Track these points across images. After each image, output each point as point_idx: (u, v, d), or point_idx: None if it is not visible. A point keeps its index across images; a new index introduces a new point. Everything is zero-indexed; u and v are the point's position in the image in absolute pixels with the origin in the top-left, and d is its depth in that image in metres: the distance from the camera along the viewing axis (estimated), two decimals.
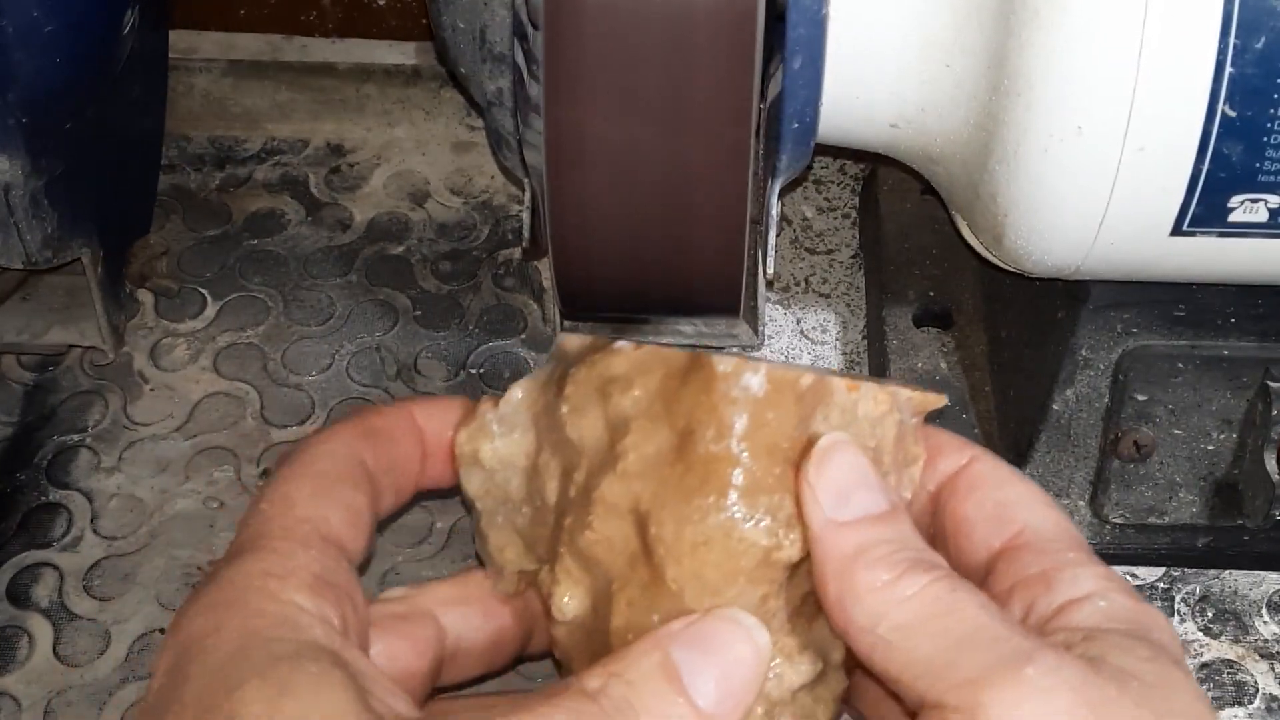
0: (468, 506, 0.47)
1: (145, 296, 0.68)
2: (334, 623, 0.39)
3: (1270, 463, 0.54)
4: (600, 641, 0.41)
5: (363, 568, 0.43)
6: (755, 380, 0.40)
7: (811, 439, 0.41)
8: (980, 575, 0.43)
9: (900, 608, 0.37)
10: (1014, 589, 0.41)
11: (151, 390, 0.65)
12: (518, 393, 0.45)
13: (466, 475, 0.45)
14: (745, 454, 0.40)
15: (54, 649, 0.57)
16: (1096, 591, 0.41)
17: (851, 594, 0.38)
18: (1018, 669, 0.36)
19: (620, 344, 0.43)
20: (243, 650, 0.37)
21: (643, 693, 0.38)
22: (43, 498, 0.61)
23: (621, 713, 0.37)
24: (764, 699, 0.40)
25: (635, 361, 0.42)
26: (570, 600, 0.42)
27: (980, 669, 0.36)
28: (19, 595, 0.58)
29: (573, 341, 0.45)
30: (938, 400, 0.45)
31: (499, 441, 0.45)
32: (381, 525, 0.45)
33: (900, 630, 0.37)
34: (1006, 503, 0.43)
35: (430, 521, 0.61)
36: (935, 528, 0.45)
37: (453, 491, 0.47)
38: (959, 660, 0.36)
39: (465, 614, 0.45)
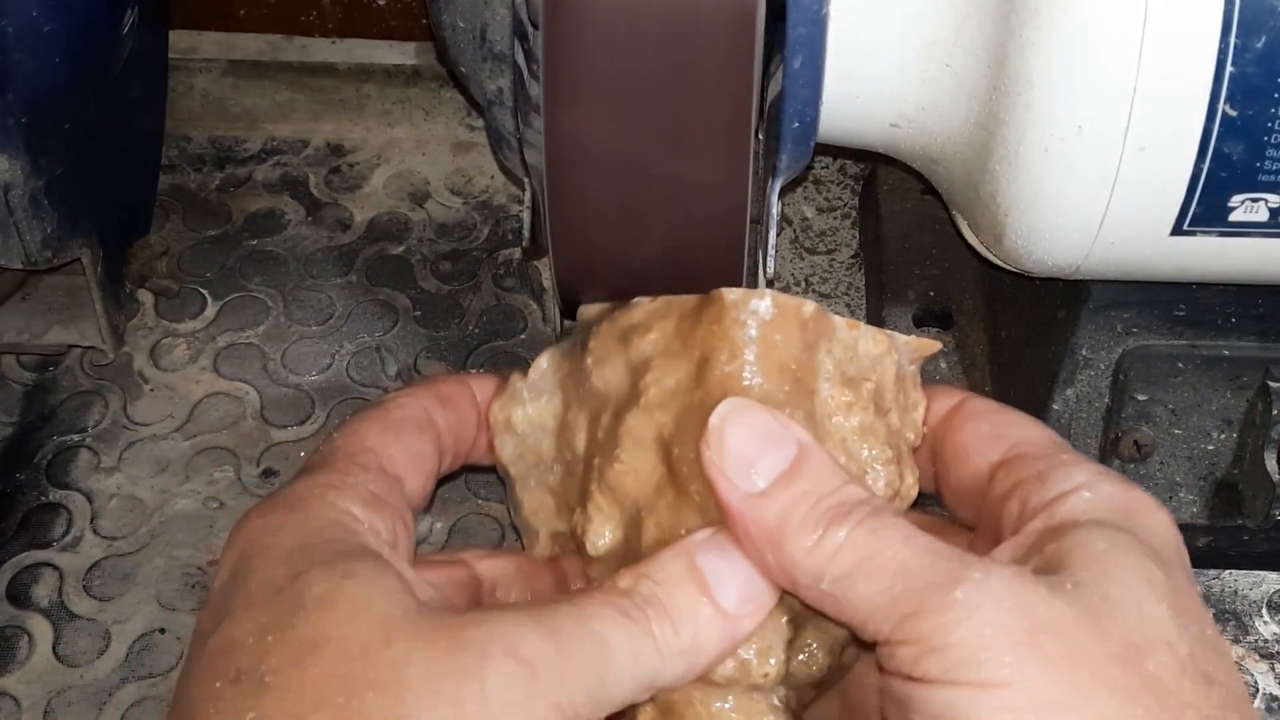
0: (503, 478, 0.49)
1: (145, 297, 0.68)
2: (384, 535, 0.41)
3: (1270, 463, 0.54)
4: None
5: (423, 513, 0.45)
6: (763, 305, 0.42)
7: (816, 367, 0.43)
8: (980, 491, 0.44)
9: (833, 562, 0.39)
10: (1013, 489, 0.43)
11: (151, 390, 0.65)
12: (544, 362, 0.48)
13: (501, 443, 0.48)
14: (757, 371, 0.42)
15: (54, 649, 0.57)
16: (1085, 483, 0.41)
17: (787, 562, 0.39)
18: (947, 593, 0.37)
19: (637, 299, 0.45)
20: (302, 547, 0.39)
21: (671, 592, 0.40)
22: (43, 498, 0.61)
23: (651, 605, 0.39)
24: (786, 607, 0.42)
25: (652, 310, 0.45)
26: (603, 534, 0.44)
27: (914, 601, 0.37)
28: (19, 595, 0.58)
29: (593, 309, 0.48)
30: (933, 345, 0.47)
31: (529, 406, 0.47)
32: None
33: (839, 582, 0.39)
34: (1000, 424, 0.45)
35: (431, 522, 0.61)
36: (936, 461, 0.46)
37: (484, 471, 0.49)
38: (896, 596, 0.38)
39: (500, 564, 0.47)
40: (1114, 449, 0.56)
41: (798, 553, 0.39)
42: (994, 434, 0.45)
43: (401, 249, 0.70)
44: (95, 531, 0.60)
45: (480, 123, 0.74)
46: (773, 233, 0.49)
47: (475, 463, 0.48)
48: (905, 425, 0.46)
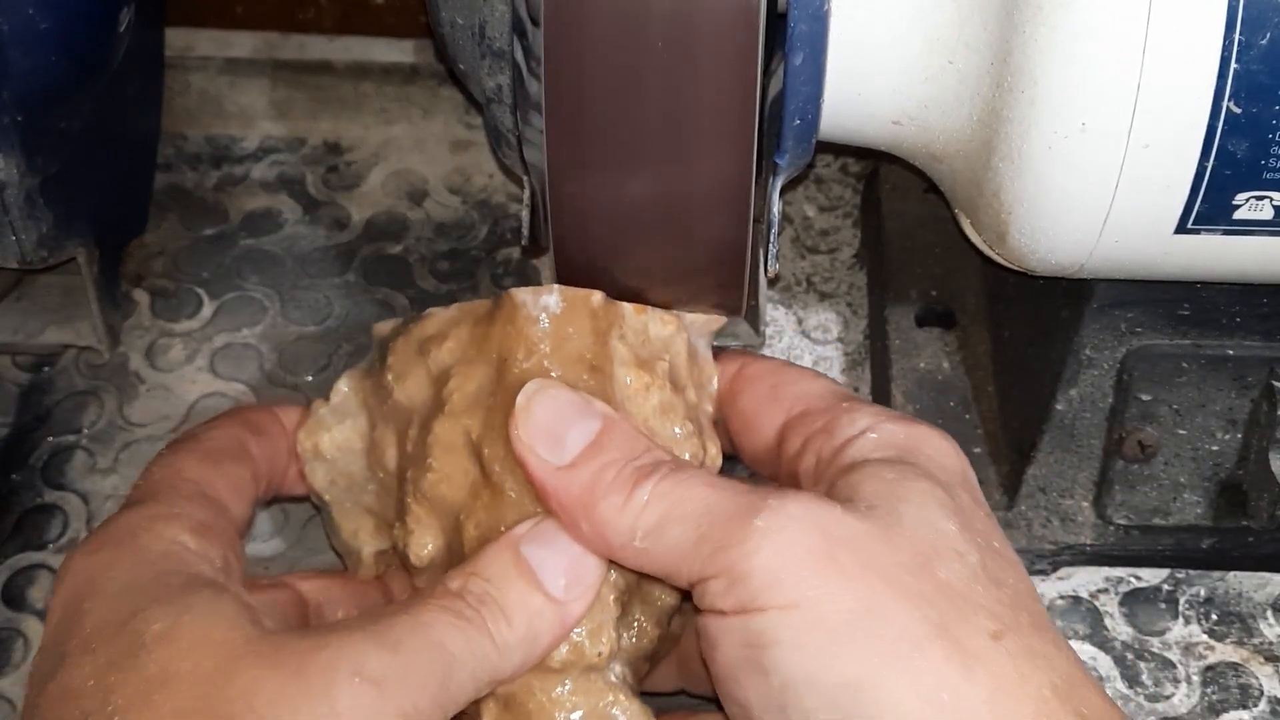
0: (318, 506, 0.50)
1: (141, 296, 0.67)
2: (217, 562, 0.42)
3: (1275, 463, 0.53)
4: None
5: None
6: (551, 299, 0.44)
7: (610, 354, 0.45)
8: (774, 452, 0.46)
9: (642, 516, 0.40)
10: (804, 445, 0.45)
11: (147, 390, 0.64)
12: (344, 385, 0.49)
13: (311, 470, 0.49)
14: (555, 365, 0.44)
15: None
16: (869, 426, 0.44)
17: (600, 525, 0.41)
18: (747, 522, 0.39)
19: (430, 310, 0.47)
20: (137, 583, 0.39)
21: (501, 586, 0.41)
22: (38, 499, 0.61)
23: (484, 603, 0.41)
24: (612, 586, 0.43)
25: (445, 319, 0.47)
26: (425, 544, 0.45)
27: (719, 536, 0.39)
28: (14, 597, 0.58)
29: (385, 325, 0.50)
30: (719, 320, 0.49)
31: (335, 431, 0.48)
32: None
33: (650, 535, 0.40)
34: (778, 385, 0.47)
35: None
36: (728, 430, 0.48)
37: (299, 501, 0.51)
38: (703, 535, 0.39)
39: (326, 585, 0.48)
40: (1118, 449, 0.56)
41: (609, 513, 0.41)
42: (773, 396, 0.47)
43: (400, 248, 0.70)
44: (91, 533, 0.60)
45: (479, 121, 0.74)
46: (774, 231, 0.49)
47: (288, 493, 0.50)
48: (703, 399, 0.48)
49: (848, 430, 0.44)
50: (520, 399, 0.42)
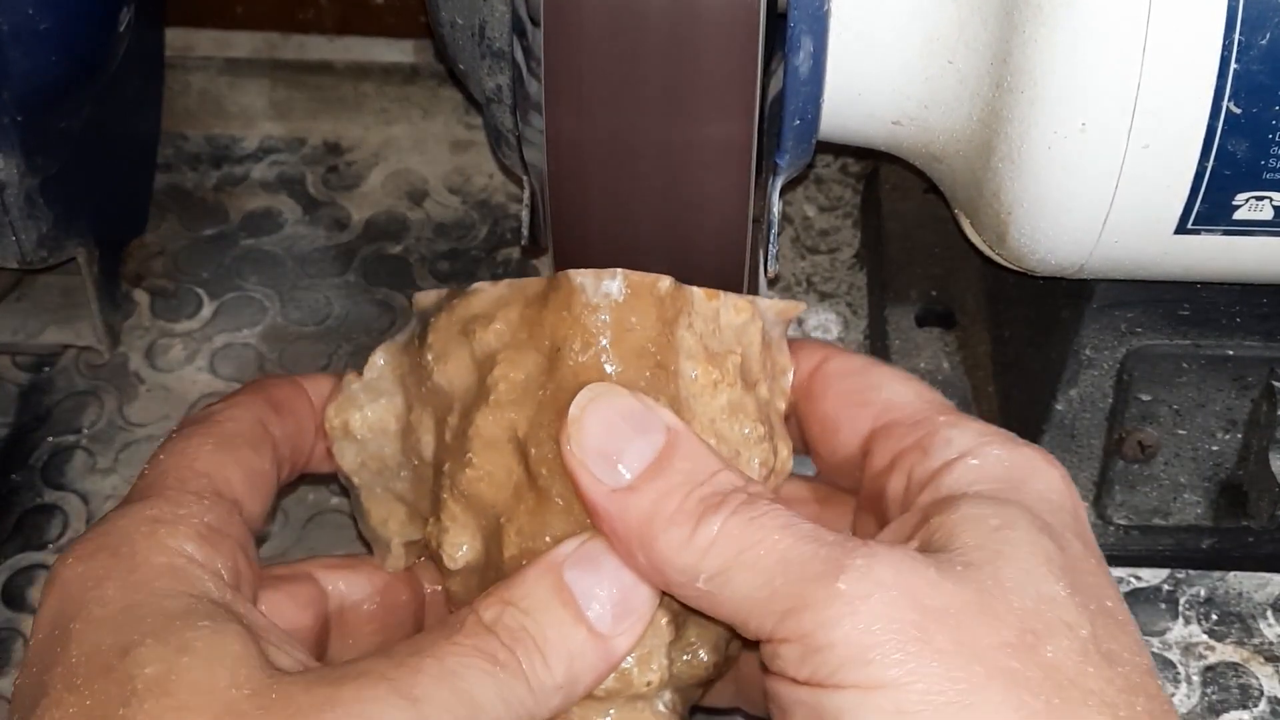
0: (345, 487, 0.46)
1: (141, 296, 0.67)
2: (223, 575, 0.37)
3: (1276, 463, 0.53)
4: (495, 582, 0.40)
5: (261, 539, 0.42)
6: (614, 285, 0.40)
7: (677, 344, 0.40)
8: (857, 463, 0.42)
9: (708, 557, 0.36)
10: (894, 463, 0.40)
11: (147, 391, 0.64)
12: (380, 359, 0.44)
13: (340, 450, 0.44)
14: (613, 359, 0.39)
15: None
16: (970, 449, 0.39)
17: (659, 560, 0.37)
18: (829, 585, 0.34)
19: (477, 285, 0.42)
20: (131, 608, 0.35)
21: (540, 621, 0.37)
22: (38, 499, 0.61)
23: (520, 642, 0.36)
24: (665, 607, 0.39)
25: (493, 297, 0.42)
26: (460, 545, 0.41)
27: (796, 596, 0.35)
28: (14, 598, 0.58)
29: (428, 296, 0.44)
30: (798, 306, 0.44)
31: (368, 409, 0.44)
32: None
33: (716, 579, 0.36)
34: (864, 389, 0.42)
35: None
36: (804, 435, 0.44)
37: (328, 480, 0.45)
38: (776, 591, 0.35)
39: (347, 577, 0.44)
40: (1118, 449, 0.55)
41: (670, 550, 0.36)
42: (860, 399, 0.42)
43: (400, 248, 0.70)
44: None
45: (479, 121, 0.74)
46: (774, 231, 0.49)
47: (314, 471, 0.45)
48: (775, 395, 0.43)
49: (945, 451, 0.39)
50: (574, 408, 0.38)
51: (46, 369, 0.65)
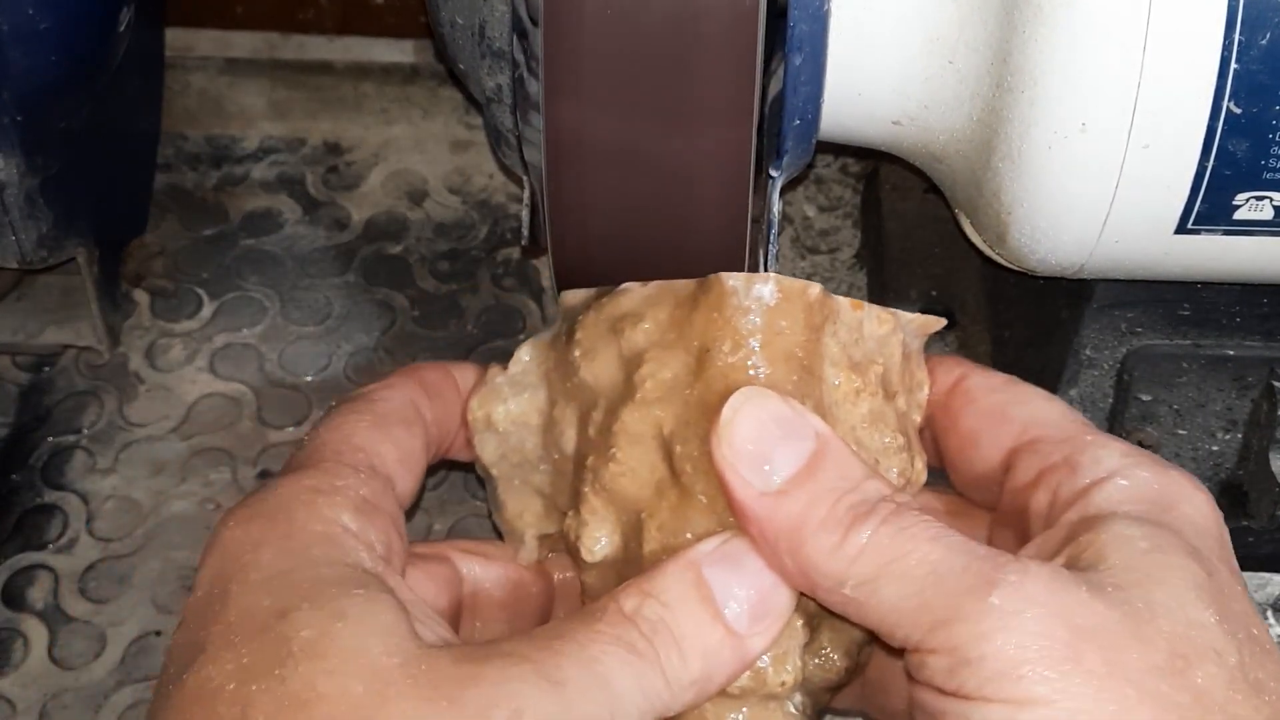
0: (483, 478, 0.46)
1: (141, 296, 0.67)
2: (376, 547, 0.38)
3: (1276, 463, 0.53)
4: (632, 577, 0.40)
5: (410, 513, 0.42)
6: (766, 289, 0.40)
7: (824, 354, 0.40)
8: (997, 478, 0.42)
9: (856, 566, 0.36)
10: (1039, 478, 0.40)
11: (147, 391, 0.64)
12: (525, 354, 0.45)
13: (481, 442, 0.45)
14: (763, 362, 0.40)
15: (49, 652, 0.56)
16: (1118, 469, 0.39)
17: (806, 565, 0.37)
18: (982, 599, 0.35)
19: (626, 285, 0.43)
20: (288, 573, 0.36)
21: (679, 615, 0.37)
22: (38, 499, 0.61)
23: (658, 634, 0.37)
24: (801, 609, 0.39)
25: (643, 297, 0.42)
26: (599, 539, 0.41)
27: (947, 608, 0.35)
28: (14, 598, 0.58)
29: (576, 295, 0.45)
30: (938, 322, 0.44)
31: (511, 403, 0.44)
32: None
33: (863, 587, 0.36)
34: (1007, 404, 0.42)
35: (429, 524, 0.61)
36: (941, 449, 0.44)
37: (465, 468, 0.45)
38: (926, 602, 0.35)
39: (482, 564, 0.45)
40: None
41: (818, 556, 0.37)
42: (1002, 416, 0.42)
43: (399, 248, 0.70)
44: (91, 533, 0.60)
45: (479, 121, 0.74)
46: (774, 231, 0.49)
47: (454, 458, 0.46)
48: (912, 408, 0.44)
49: (1093, 470, 0.39)
50: (726, 410, 0.38)
51: (46, 369, 0.65)
